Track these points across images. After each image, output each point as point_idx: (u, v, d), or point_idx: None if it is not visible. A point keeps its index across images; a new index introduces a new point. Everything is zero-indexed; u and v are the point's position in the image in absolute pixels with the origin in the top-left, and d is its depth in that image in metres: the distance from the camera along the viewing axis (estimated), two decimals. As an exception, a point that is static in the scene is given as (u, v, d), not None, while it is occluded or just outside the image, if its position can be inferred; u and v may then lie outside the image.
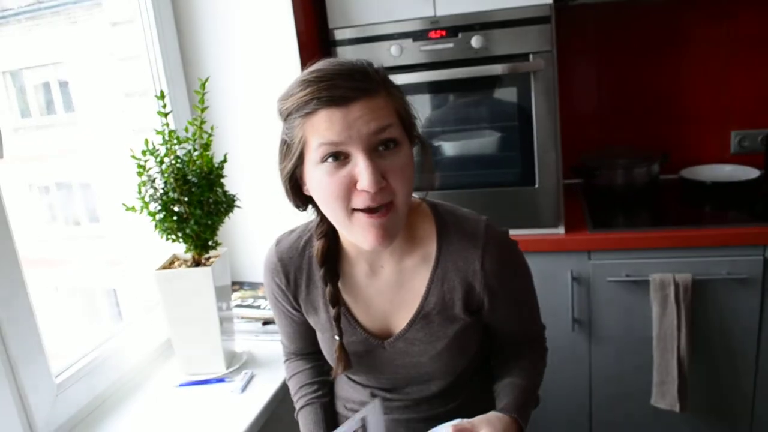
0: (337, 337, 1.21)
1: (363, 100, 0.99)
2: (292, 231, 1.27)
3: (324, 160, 1.02)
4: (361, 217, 1.04)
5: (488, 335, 1.31)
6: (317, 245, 1.19)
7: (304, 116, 1.02)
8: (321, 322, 1.25)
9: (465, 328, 1.20)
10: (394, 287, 1.20)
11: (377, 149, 1.02)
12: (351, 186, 1.02)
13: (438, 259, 1.17)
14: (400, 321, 1.21)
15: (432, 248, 1.17)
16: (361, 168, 1.00)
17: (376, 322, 1.23)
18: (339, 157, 1.01)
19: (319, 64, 1.04)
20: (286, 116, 1.05)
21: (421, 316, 1.19)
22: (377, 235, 1.05)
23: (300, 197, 1.13)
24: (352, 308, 1.23)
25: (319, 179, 1.04)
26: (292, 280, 1.24)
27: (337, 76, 1.00)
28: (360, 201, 1.03)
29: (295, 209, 1.16)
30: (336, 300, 1.19)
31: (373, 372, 1.26)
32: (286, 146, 1.08)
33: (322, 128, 1.00)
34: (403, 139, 1.05)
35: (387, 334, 1.22)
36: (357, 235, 1.06)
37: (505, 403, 1.20)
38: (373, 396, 1.30)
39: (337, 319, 1.20)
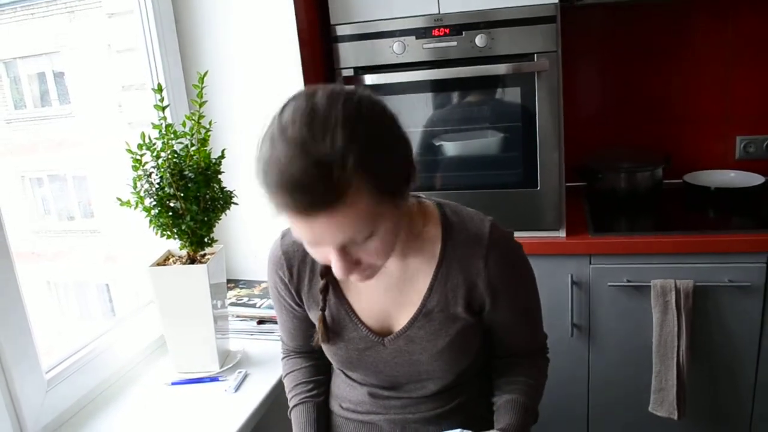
0: (320, 310, 1.22)
1: (326, 212, 0.90)
2: None
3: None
4: None
5: (490, 341, 1.30)
6: None
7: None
8: None
9: (466, 328, 1.19)
10: (397, 285, 1.19)
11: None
12: (327, 256, 1.01)
13: (442, 258, 1.16)
14: (402, 319, 1.20)
15: (437, 248, 1.17)
16: (332, 258, 1.00)
17: (377, 319, 1.22)
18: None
19: (281, 149, 0.90)
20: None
21: (422, 314, 1.18)
22: (356, 279, 1.07)
23: None
24: (354, 305, 1.23)
25: (297, 234, 1.00)
26: (296, 274, 1.24)
27: (296, 187, 0.88)
28: (336, 272, 1.03)
29: None
30: (326, 271, 1.19)
31: (373, 369, 1.25)
32: None
33: (292, 226, 0.97)
34: (381, 220, 0.97)
35: (388, 331, 1.22)
36: None
37: (506, 424, 1.19)
38: (371, 395, 1.29)
39: (324, 290, 1.20)
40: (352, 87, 0.99)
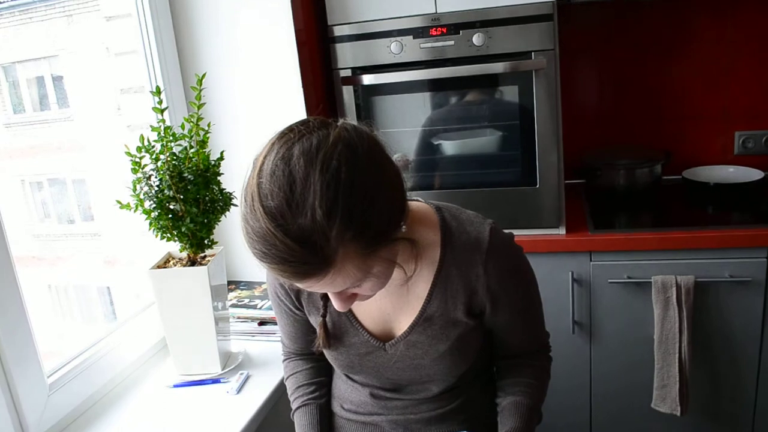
0: (321, 316, 1.22)
1: (316, 278, 0.91)
2: None
3: None
4: None
5: (491, 341, 1.30)
6: None
7: None
8: None
9: (467, 331, 1.19)
10: (397, 290, 1.19)
11: None
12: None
13: (441, 263, 1.16)
14: (403, 324, 1.20)
15: (436, 252, 1.16)
16: (329, 293, 1.03)
17: (378, 324, 1.22)
18: None
19: (263, 223, 0.89)
20: None
21: (423, 319, 1.18)
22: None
23: None
24: (355, 310, 1.22)
25: None
26: None
27: (282, 262, 0.89)
28: (335, 306, 1.05)
29: None
30: None
31: (375, 373, 1.25)
32: None
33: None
34: (373, 267, 0.96)
35: (389, 336, 1.22)
36: None
37: (511, 427, 1.20)
38: (373, 396, 1.29)
39: (325, 297, 1.20)
40: (333, 133, 0.92)
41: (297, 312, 1.29)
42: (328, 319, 1.23)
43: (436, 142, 2.20)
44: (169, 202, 1.53)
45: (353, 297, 1.04)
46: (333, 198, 0.86)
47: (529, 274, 1.23)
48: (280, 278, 0.94)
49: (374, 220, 0.91)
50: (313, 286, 0.94)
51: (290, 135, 0.93)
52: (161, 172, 1.51)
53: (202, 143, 1.56)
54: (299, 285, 0.96)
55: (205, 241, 1.60)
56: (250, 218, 0.91)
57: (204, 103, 1.54)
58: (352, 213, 0.87)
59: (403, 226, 1.01)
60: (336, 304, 1.03)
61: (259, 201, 0.89)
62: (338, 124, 0.96)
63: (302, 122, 0.96)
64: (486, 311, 1.18)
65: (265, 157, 0.92)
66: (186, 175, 1.52)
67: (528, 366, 1.28)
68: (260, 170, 0.91)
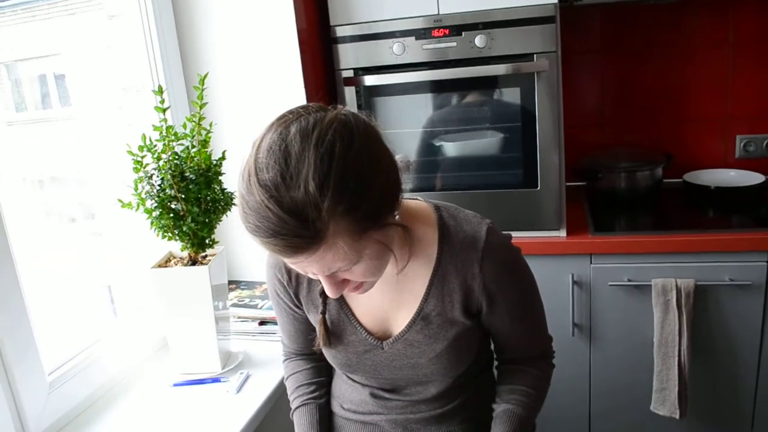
0: (320, 313, 1.22)
1: (306, 253, 0.91)
2: None
3: None
4: None
5: (493, 345, 1.30)
6: None
7: None
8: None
9: (464, 331, 1.19)
10: (395, 288, 1.19)
11: None
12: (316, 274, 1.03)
13: (439, 261, 1.16)
14: (400, 322, 1.20)
15: (433, 250, 1.16)
16: (320, 278, 1.02)
17: (376, 322, 1.22)
18: None
19: (257, 196, 0.90)
20: None
21: (420, 318, 1.18)
22: (350, 293, 1.09)
23: None
24: (354, 308, 1.23)
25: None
26: (294, 276, 1.24)
27: (274, 234, 0.89)
28: (327, 292, 1.05)
29: None
30: None
31: (373, 372, 1.25)
32: None
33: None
34: (364, 249, 0.96)
35: (387, 335, 1.22)
36: None
37: None
38: (373, 396, 1.29)
39: (324, 294, 1.20)
40: (330, 114, 0.95)
41: (296, 310, 1.29)
42: (327, 316, 1.23)
43: (437, 144, 2.21)
44: (170, 202, 1.53)
45: (345, 283, 1.04)
46: (326, 171, 0.88)
47: (526, 274, 1.23)
48: (273, 254, 0.95)
49: (367, 198, 0.92)
50: (303, 263, 0.95)
51: (288, 116, 0.95)
52: (163, 171, 1.51)
53: (204, 143, 1.56)
54: (291, 262, 0.97)
55: (206, 241, 1.60)
56: (245, 193, 0.92)
57: (206, 103, 1.54)
58: (344, 187, 0.88)
59: (397, 215, 1.02)
60: (327, 288, 1.03)
61: (255, 175, 0.91)
62: (336, 108, 0.98)
63: (301, 106, 0.98)
64: (483, 310, 1.18)
65: (263, 137, 0.95)
66: (187, 174, 1.52)
67: (528, 373, 1.28)
68: (258, 148, 0.94)
